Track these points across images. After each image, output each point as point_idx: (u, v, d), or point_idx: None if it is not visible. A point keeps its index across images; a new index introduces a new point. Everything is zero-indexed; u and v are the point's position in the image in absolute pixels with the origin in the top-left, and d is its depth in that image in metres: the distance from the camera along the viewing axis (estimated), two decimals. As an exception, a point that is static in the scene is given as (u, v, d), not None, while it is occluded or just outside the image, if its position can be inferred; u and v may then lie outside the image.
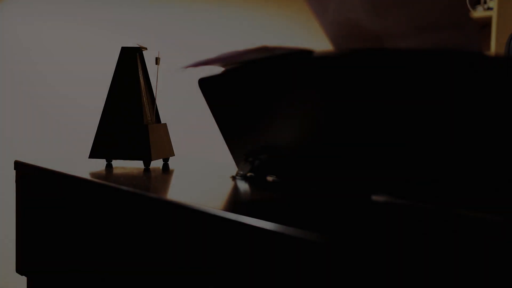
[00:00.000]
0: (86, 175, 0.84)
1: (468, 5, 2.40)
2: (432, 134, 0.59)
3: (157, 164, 0.99)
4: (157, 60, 0.96)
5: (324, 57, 0.61)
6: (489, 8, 2.32)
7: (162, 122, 1.01)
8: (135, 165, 0.96)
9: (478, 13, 2.36)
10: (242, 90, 0.77)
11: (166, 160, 1.00)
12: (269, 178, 0.83)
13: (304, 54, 0.63)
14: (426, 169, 0.62)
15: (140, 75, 0.94)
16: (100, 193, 0.79)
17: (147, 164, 0.92)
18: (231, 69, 0.75)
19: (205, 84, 0.81)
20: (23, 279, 1.13)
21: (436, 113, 0.56)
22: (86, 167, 0.93)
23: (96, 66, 2.50)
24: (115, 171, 0.90)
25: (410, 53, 0.53)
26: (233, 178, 0.82)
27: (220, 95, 0.81)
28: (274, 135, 0.78)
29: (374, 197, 0.69)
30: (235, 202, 0.68)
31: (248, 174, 0.84)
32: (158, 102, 1.07)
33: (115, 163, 0.99)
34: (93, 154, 0.93)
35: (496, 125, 0.53)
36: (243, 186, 0.78)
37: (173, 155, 1.00)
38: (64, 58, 2.53)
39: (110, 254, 0.79)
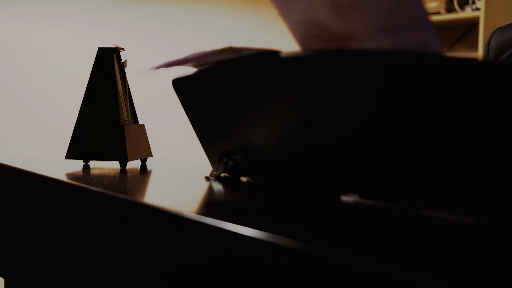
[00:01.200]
0: (61, 176, 0.84)
1: (456, 5, 2.40)
2: (399, 134, 0.59)
3: (136, 164, 0.99)
4: (124, 63, 0.96)
5: (290, 58, 0.61)
6: (477, 9, 2.33)
7: (141, 123, 1.01)
8: (113, 166, 0.96)
9: (467, 13, 2.37)
10: (215, 90, 0.77)
11: (144, 161, 0.99)
12: (243, 179, 0.83)
13: (271, 55, 0.63)
14: (399, 170, 0.62)
15: (117, 76, 0.94)
16: (72, 194, 0.78)
17: (123, 165, 0.92)
18: (204, 70, 0.75)
19: (178, 84, 0.81)
20: (1, 280, 1.13)
21: (400, 113, 0.56)
22: (63, 168, 0.93)
23: (75, 66, 2.49)
24: (92, 171, 0.90)
25: (373, 54, 0.53)
26: (207, 178, 0.82)
27: (193, 95, 0.81)
28: (247, 136, 0.78)
29: (343, 198, 0.69)
30: (204, 204, 0.68)
31: (222, 175, 0.84)
32: (137, 103, 1.07)
33: (93, 163, 0.99)
34: (70, 155, 0.93)
35: (459, 125, 0.53)
36: (215, 187, 0.78)
37: (151, 155, 1.00)
38: (42, 57, 2.52)
39: (86, 255, 0.79)
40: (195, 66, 0.74)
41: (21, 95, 2.48)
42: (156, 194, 0.71)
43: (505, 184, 0.52)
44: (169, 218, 0.62)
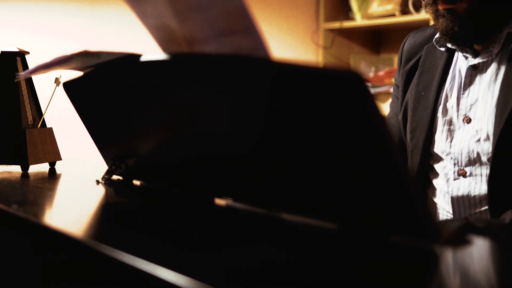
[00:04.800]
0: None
1: (411, 8, 2.42)
2: (259, 140, 0.59)
3: (46, 168, 0.98)
4: (56, 80, 0.95)
5: (150, 62, 0.61)
6: (431, 11, 2.34)
7: (51, 126, 1.00)
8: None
9: (422, 15, 2.38)
10: (102, 92, 0.77)
11: (52, 165, 0.99)
12: (136, 182, 0.83)
13: (131, 59, 0.62)
14: (266, 176, 0.62)
15: (20, 80, 0.93)
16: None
17: (24, 169, 0.92)
18: (90, 72, 0.75)
19: (70, 87, 0.80)
20: None
21: (259, 118, 0.56)
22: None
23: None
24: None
25: (209, 58, 0.53)
26: (97, 182, 0.82)
27: (84, 98, 0.80)
28: (136, 139, 0.78)
29: (217, 201, 0.69)
30: (73, 216, 0.67)
31: (116, 178, 0.83)
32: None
33: (3, 167, 0.98)
34: (-28, 158, 0.92)
35: (306, 130, 0.53)
36: (98, 193, 0.78)
37: (60, 159, 1.00)
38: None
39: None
40: (77, 69, 0.74)
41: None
42: (28, 201, 0.71)
43: (362, 191, 0.52)
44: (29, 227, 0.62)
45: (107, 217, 0.63)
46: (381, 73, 2.52)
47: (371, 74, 2.59)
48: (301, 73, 0.44)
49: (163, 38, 0.60)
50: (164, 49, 0.62)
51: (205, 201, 0.70)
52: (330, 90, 0.42)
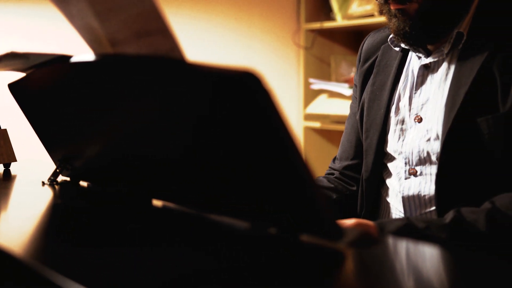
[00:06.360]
0: None
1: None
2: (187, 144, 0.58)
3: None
4: None
5: (80, 63, 0.61)
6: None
7: (2, 128, 1.00)
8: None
9: (400, 15, 2.38)
10: (43, 93, 0.76)
11: (6, 166, 0.99)
12: (84, 183, 0.82)
13: (61, 60, 0.62)
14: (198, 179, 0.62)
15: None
16: None
17: (-25, 170, 0.91)
18: (31, 73, 0.74)
19: (14, 88, 0.80)
20: None
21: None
22: None
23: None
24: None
25: (127, 59, 0.53)
26: (43, 183, 0.81)
27: (28, 99, 0.80)
28: (80, 140, 0.77)
29: (154, 202, 0.69)
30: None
31: (62, 180, 0.83)
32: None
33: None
34: None
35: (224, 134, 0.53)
36: (41, 194, 0.78)
37: (15, 160, 0.99)
38: None
39: None
40: (17, 70, 0.73)
41: None
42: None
43: (269, 192, 0.52)
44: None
45: (36, 223, 0.63)
46: (361, 73, 2.52)
47: (352, 74, 2.60)
48: (205, 73, 0.44)
49: (90, 39, 0.59)
50: (93, 50, 0.61)
51: (142, 202, 0.70)
52: (230, 90, 0.42)
